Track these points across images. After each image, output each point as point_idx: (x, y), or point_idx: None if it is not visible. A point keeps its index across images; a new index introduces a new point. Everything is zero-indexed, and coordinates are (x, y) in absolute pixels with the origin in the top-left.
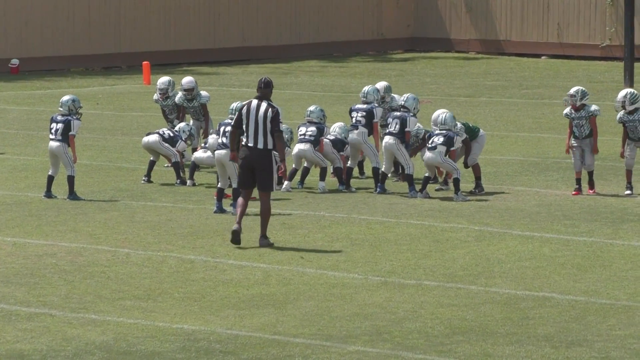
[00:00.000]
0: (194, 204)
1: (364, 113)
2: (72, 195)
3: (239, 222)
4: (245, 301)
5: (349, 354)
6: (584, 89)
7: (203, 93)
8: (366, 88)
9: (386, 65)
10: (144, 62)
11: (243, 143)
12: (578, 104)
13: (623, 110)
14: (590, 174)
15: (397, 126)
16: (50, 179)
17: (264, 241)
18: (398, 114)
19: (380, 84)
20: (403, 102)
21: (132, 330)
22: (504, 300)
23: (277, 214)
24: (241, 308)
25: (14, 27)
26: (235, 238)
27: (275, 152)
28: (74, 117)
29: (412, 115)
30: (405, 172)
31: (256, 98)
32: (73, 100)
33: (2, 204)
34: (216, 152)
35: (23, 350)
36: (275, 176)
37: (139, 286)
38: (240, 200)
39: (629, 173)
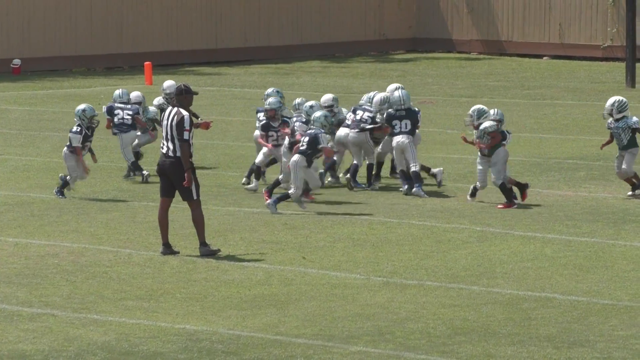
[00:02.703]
0: None
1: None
2: (59, 191)
3: (164, 242)
4: (247, 301)
5: (351, 355)
6: (480, 107)
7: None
8: (373, 95)
9: (388, 65)
10: (146, 63)
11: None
12: (476, 123)
13: (611, 118)
14: (500, 187)
15: (409, 126)
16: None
17: (204, 249)
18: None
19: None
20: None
21: (134, 331)
22: (506, 300)
23: (280, 214)
24: (243, 308)
25: (16, 27)
26: (166, 252)
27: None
28: (73, 130)
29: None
30: (412, 169)
31: (174, 105)
32: (83, 110)
33: (4, 205)
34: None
35: (25, 350)
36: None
37: (141, 286)
38: (158, 212)
39: (628, 180)
